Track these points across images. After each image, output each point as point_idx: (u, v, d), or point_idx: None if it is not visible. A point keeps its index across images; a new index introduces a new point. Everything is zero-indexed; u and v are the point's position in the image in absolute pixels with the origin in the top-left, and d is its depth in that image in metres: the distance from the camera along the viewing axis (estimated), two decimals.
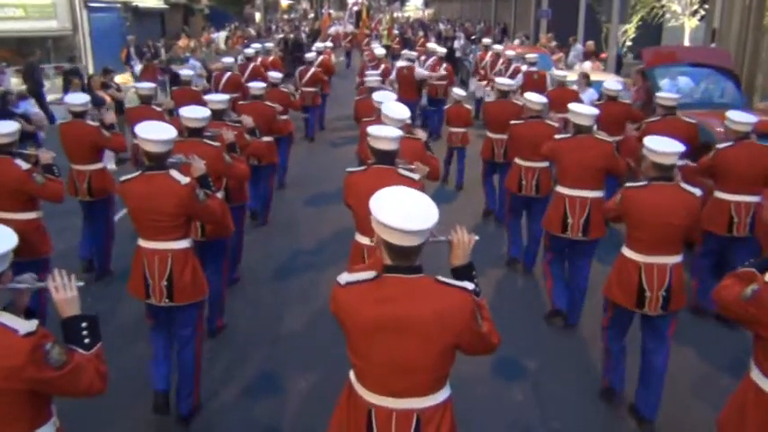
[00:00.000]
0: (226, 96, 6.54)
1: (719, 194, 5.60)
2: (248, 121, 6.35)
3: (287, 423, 4.51)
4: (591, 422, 4.49)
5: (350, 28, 28.89)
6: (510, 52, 13.53)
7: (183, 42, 20.08)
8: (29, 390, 2.39)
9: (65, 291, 2.62)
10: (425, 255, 2.54)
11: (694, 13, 18.46)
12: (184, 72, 9.95)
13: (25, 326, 2.36)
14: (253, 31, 30.20)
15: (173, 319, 4.36)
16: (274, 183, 8.50)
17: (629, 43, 20.37)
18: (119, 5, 24.24)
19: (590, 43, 17.31)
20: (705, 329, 5.60)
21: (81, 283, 2.70)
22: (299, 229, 8.17)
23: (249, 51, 13.20)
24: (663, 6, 19.62)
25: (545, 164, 6.42)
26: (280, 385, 4.91)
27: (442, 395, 2.63)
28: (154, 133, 4.07)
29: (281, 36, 26.34)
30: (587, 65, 14.87)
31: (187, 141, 4.98)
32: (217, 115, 5.79)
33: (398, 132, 4.15)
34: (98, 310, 2.86)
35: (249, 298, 6.28)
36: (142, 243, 4.23)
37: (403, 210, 2.43)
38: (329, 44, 18.67)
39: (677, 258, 4.24)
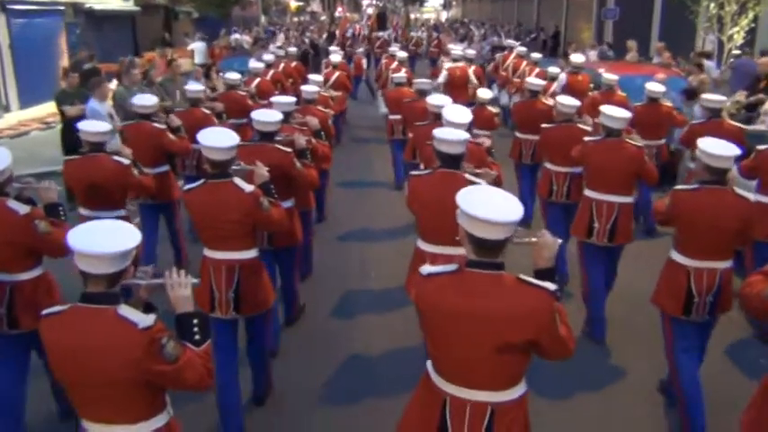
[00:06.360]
0: (293, 98, 6.33)
1: (761, 198, 5.32)
2: (314, 123, 6.08)
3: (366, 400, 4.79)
4: None
5: (366, 30, 28.38)
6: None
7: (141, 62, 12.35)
8: (145, 380, 2.49)
9: (179, 288, 2.70)
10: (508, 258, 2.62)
11: None
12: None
13: (144, 320, 2.47)
14: (248, 40, 24.14)
15: (236, 332, 4.25)
16: (328, 184, 8.44)
17: (735, 52, 13.47)
18: (61, 8, 18.82)
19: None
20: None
21: (196, 281, 2.78)
22: (350, 222, 8.61)
23: (268, 57, 12.44)
24: None
25: (578, 169, 6.07)
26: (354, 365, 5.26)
27: (518, 391, 2.66)
28: (217, 140, 3.93)
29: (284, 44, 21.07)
30: None
31: (259, 145, 4.89)
32: (284, 117, 5.57)
33: (466, 135, 4.09)
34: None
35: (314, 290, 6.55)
36: (208, 253, 4.10)
37: (490, 203, 2.54)
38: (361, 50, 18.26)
39: (727, 264, 4.18)
